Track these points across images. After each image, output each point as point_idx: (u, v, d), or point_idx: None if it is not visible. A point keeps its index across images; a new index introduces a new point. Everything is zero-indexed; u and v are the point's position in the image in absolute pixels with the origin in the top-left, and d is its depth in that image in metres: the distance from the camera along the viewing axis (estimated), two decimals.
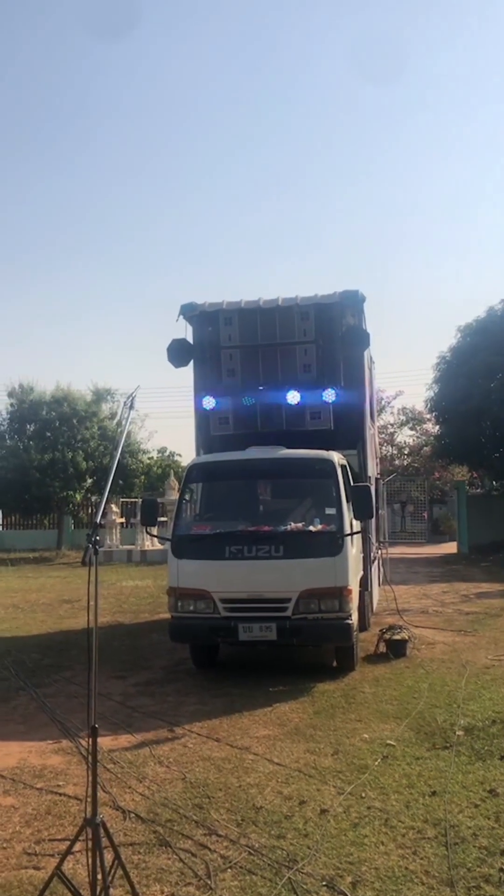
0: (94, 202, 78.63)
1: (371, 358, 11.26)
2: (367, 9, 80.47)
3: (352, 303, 9.09)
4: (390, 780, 5.03)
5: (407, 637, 8.80)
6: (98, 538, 3.57)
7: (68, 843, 3.76)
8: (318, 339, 9.10)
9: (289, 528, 7.71)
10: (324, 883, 3.71)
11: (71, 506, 29.27)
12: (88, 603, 3.41)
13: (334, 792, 4.84)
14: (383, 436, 31.79)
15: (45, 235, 76.63)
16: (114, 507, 25.83)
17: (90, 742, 3.54)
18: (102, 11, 67.27)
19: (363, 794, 4.79)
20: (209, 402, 9.17)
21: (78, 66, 78.53)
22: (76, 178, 77.91)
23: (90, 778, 3.49)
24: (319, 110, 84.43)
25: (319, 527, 7.66)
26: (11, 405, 28.64)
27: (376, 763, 5.33)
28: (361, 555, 8.82)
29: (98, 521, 3.72)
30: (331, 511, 7.74)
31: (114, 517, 25.34)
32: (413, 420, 33.28)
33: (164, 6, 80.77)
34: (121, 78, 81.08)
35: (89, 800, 3.50)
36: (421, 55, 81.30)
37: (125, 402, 4.25)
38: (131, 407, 4.23)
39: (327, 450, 8.19)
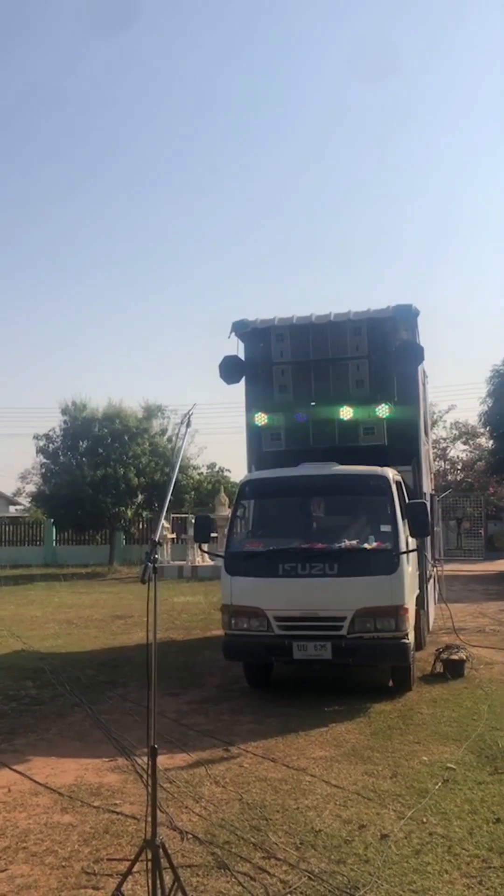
0: (135, 224, 79.75)
1: (425, 372, 11.13)
2: (367, 8, 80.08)
3: (405, 317, 9.00)
4: (452, 805, 4.90)
5: (464, 657, 8.61)
6: (157, 556, 3.57)
7: (127, 863, 3.75)
8: (370, 354, 9.02)
9: (343, 545, 7.62)
10: None
11: (123, 521, 29.54)
12: (147, 619, 3.41)
13: (394, 816, 4.74)
14: (436, 450, 31.42)
15: (90, 245, 77.93)
16: (164, 523, 25.98)
17: (149, 762, 3.52)
18: (98, 11, 68.22)
19: (424, 820, 4.67)
20: (261, 419, 9.15)
21: (74, 65, 79.61)
22: (127, 201, 79.20)
23: (150, 798, 3.47)
24: (325, 111, 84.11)
25: (374, 544, 7.56)
26: (65, 422, 29.11)
27: (437, 787, 5.20)
28: (417, 573, 8.67)
29: (156, 538, 3.72)
30: (386, 528, 7.64)
31: (165, 532, 25.48)
32: (466, 434, 32.83)
33: (160, 4, 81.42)
34: (118, 75, 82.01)
35: (148, 820, 3.48)
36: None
37: (182, 420, 4.26)
38: (188, 425, 4.24)
39: (381, 466, 8.09)
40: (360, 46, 72.46)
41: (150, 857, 3.42)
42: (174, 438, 28.10)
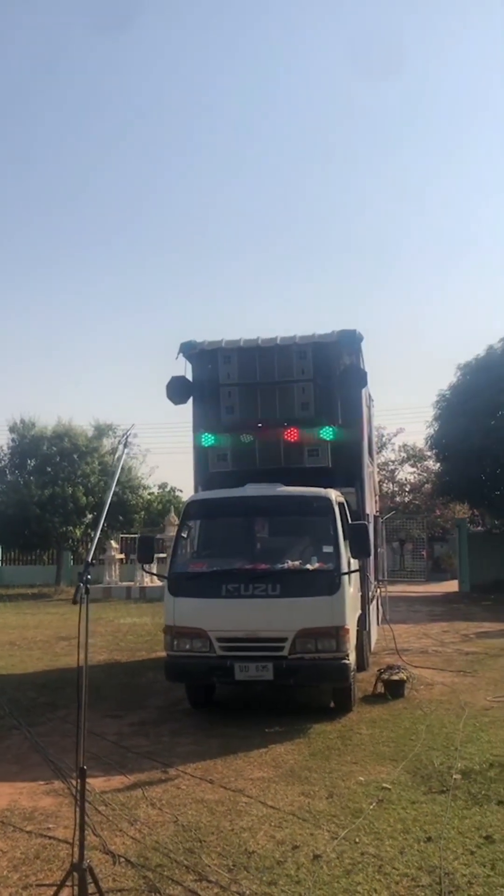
0: (93, 235, 79.44)
1: (370, 396, 11.33)
2: (369, 6, 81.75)
3: (349, 342, 9.18)
4: (385, 824, 4.95)
5: (405, 677, 8.71)
6: (89, 576, 3.59)
7: (55, 888, 3.70)
8: (315, 377, 9.15)
9: (286, 566, 7.68)
10: None
11: (70, 541, 29.21)
12: (79, 641, 3.41)
13: (328, 837, 4.77)
14: (384, 473, 31.82)
15: (43, 265, 77.41)
16: (113, 544, 25.76)
17: (78, 783, 3.51)
18: (98, 6, 68.43)
19: (357, 840, 4.71)
20: (208, 439, 9.20)
21: (71, 60, 79.53)
22: (71, 212, 78.97)
23: (78, 820, 3.46)
24: (318, 119, 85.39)
25: (317, 565, 7.64)
26: (13, 440, 28.76)
27: (371, 807, 5.25)
28: (359, 594, 8.77)
29: (89, 559, 3.74)
30: (328, 549, 7.72)
31: (113, 553, 25.25)
32: (414, 457, 33.31)
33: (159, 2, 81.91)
34: (115, 74, 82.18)
35: (77, 843, 3.46)
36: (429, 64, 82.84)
37: (120, 440, 4.31)
38: (126, 444, 4.28)
39: (325, 487, 8.20)
40: (361, 45, 73.53)
41: (76, 881, 3.39)
42: (113, 458, 27.93)
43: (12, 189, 76.01)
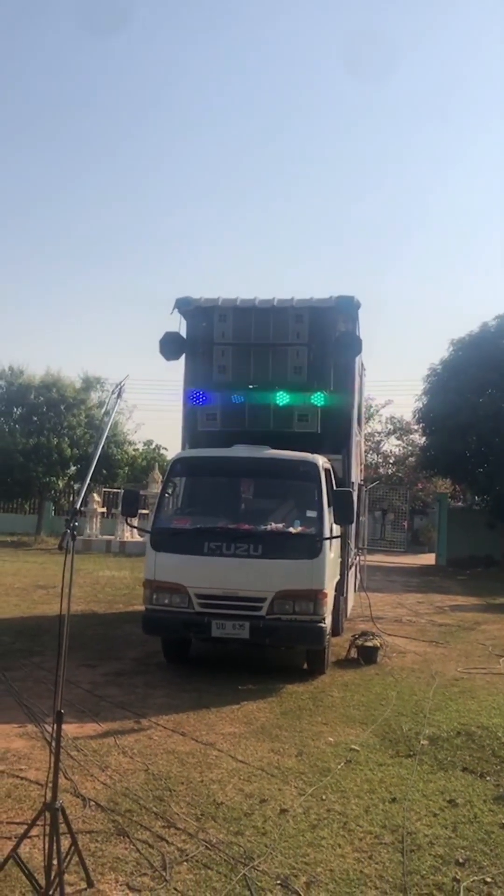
0: (90, 194, 78.16)
1: (363, 365, 11.31)
2: (363, 4, 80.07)
3: (346, 308, 9.13)
4: (352, 784, 5.05)
5: (379, 644, 8.84)
6: (77, 524, 3.57)
7: (26, 826, 3.76)
8: (310, 342, 9.12)
9: (268, 528, 7.72)
10: (278, 881, 3.72)
11: (53, 492, 29.17)
12: (62, 589, 3.41)
13: (295, 793, 4.86)
14: (370, 444, 31.91)
15: (41, 227, 76.14)
16: (95, 497, 25.76)
17: (54, 726, 3.54)
18: (94, 7, 66.69)
19: (324, 797, 4.81)
20: (198, 398, 9.16)
21: (69, 62, 77.73)
22: (71, 170, 77.45)
23: (52, 763, 3.49)
24: (315, 112, 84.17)
25: (299, 529, 7.68)
26: (0, 387, 28.49)
27: (339, 767, 5.35)
28: (339, 560, 8.85)
29: (77, 507, 3.72)
30: (311, 514, 7.77)
31: (95, 506, 25.26)
32: (400, 430, 33.43)
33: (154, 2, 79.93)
34: (113, 72, 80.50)
35: (50, 784, 3.50)
36: (421, 54, 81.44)
37: (113, 390, 4.25)
38: (119, 395, 4.23)
39: (313, 453, 8.21)
40: (355, 43, 72.05)
41: (48, 821, 3.44)
42: (100, 411, 27.81)
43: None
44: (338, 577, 8.71)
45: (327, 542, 7.60)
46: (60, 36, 75.59)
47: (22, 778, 4.96)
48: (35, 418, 27.66)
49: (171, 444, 36.52)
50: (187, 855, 3.96)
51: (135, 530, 13.40)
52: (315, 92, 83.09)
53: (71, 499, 30.21)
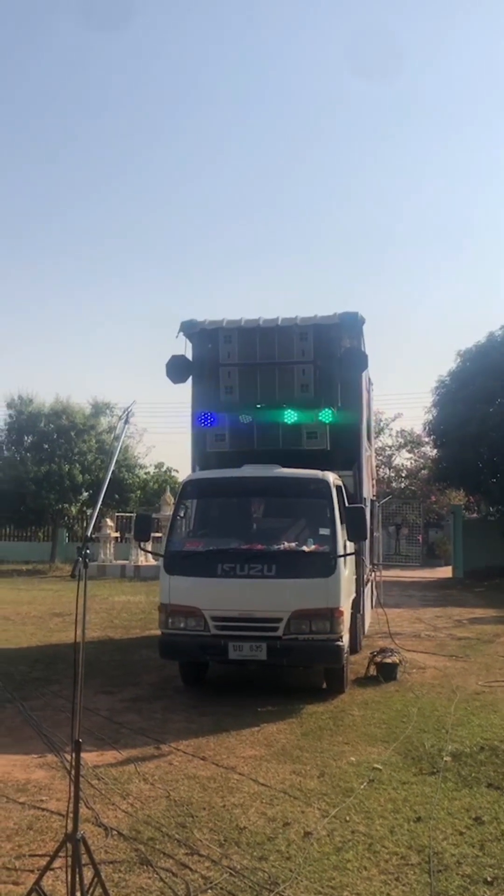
0: (93, 215, 78.83)
1: (370, 380, 11.31)
2: (366, 1, 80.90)
3: (351, 324, 9.15)
4: (375, 804, 4.99)
5: (398, 661, 8.76)
6: (89, 551, 3.57)
7: (48, 858, 3.73)
8: (316, 359, 9.13)
9: (282, 547, 7.70)
10: None
11: (66, 519, 29.24)
12: (77, 616, 3.41)
13: (319, 815, 4.81)
14: (381, 458, 31.83)
15: (46, 250, 76.87)
16: (109, 522, 25.79)
17: (73, 755, 3.52)
18: (95, 3, 67.56)
19: (348, 818, 4.75)
20: (206, 419, 9.18)
21: (66, 59, 78.66)
22: (72, 192, 78.31)
23: (72, 793, 3.47)
24: (316, 114, 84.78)
25: (313, 547, 7.65)
26: (10, 416, 28.68)
27: (362, 787, 5.29)
28: (354, 577, 8.80)
29: (89, 534, 3.73)
30: (325, 532, 7.74)
31: (108, 531, 25.28)
32: (411, 443, 33.31)
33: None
34: (110, 72, 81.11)
35: (71, 815, 3.48)
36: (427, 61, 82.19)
37: (121, 416, 4.27)
38: (126, 421, 4.26)
39: (323, 470, 8.20)
40: (360, 41, 72.64)
41: (70, 852, 3.42)
42: (111, 436, 27.92)
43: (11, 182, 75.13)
44: (354, 594, 8.66)
45: (341, 559, 7.56)
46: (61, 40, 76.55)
47: (43, 809, 4.93)
48: (46, 446, 27.78)
49: (182, 467, 36.60)
50: (211, 883, 3.91)
51: (149, 554, 13.37)
52: (317, 93, 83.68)
53: (84, 524, 30.25)
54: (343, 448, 9.23)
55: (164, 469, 37.85)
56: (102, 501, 4.13)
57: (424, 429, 24.49)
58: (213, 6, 78.13)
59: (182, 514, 8.49)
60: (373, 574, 12.08)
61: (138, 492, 31.15)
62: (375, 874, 4.01)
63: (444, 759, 5.88)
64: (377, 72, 69.29)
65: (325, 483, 7.97)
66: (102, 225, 78.86)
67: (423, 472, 31.91)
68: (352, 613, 8.42)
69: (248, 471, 8.38)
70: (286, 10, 76.91)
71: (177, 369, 9.30)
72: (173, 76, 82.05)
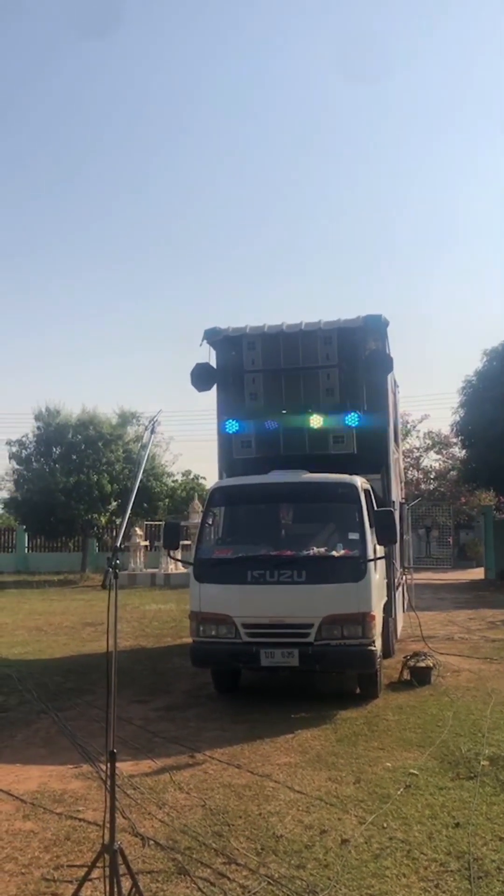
0: (115, 230, 79.41)
1: (395, 382, 11.25)
2: (356, 7, 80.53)
3: (375, 327, 9.10)
4: (413, 810, 4.94)
5: (432, 664, 8.68)
6: (118, 561, 3.59)
7: (86, 869, 3.74)
8: (340, 363, 9.11)
9: (311, 552, 7.67)
10: None
11: (96, 528, 29.39)
12: (108, 626, 3.42)
13: (356, 821, 4.77)
14: (409, 460, 31.63)
15: (67, 263, 77.55)
16: (138, 531, 25.91)
17: (108, 766, 3.53)
18: (85, 9, 67.98)
19: (385, 825, 4.71)
20: (232, 426, 9.19)
21: (58, 63, 79.17)
22: (86, 210, 78.93)
23: (108, 803, 3.48)
24: (315, 123, 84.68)
25: (342, 552, 7.61)
26: (38, 428, 28.90)
27: (399, 792, 5.24)
28: (385, 580, 8.74)
29: (118, 544, 3.74)
30: (354, 536, 7.69)
31: (138, 540, 25.40)
32: (439, 444, 33.08)
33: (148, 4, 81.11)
34: (106, 77, 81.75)
35: (107, 826, 3.48)
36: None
37: (147, 425, 4.29)
38: (153, 430, 4.27)
39: (350, 474, 8.16)
40: (349, 46, 72.62)
41: (108, 862, 3.42)
42: (137, 445, 28.05)
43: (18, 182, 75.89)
44: (385, 598, 8.60)
45: (371, 563, 7.51)
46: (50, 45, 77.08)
47: (80, 819, 4.95)
48: (74, 456, 27.95)
49: (209, 474, 36.65)
50: (249, 891, 3.90)
51: (178, 562, 13.40)
52: (315, 100, 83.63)
53: (114, 534, 30.41)
54: (370, 451, 9.18)
55: (191, 476, 37.99)
56: (131, 510, 4.14)
57: (452, 430, 24.34)
58: (203, 22, 78.37)
59: (210, 522, 8.51)
60: (403, 577, 11.98)
61: (166, 500, 31.24)
62: (415, 881, 3.97)
63: (482, 763, 5.80)
64: (371, 78, 68.98)
65: (353, 487, 7.93)
66: (126, 241, 79.39)
67: (451, 473, 31.66)
68: (384, 618, 8.35)
69: (276, 477, 8.37)
70: (277, 16, 76.90)
71: (201, 377, 9.32)
72: (171, 87, 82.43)
